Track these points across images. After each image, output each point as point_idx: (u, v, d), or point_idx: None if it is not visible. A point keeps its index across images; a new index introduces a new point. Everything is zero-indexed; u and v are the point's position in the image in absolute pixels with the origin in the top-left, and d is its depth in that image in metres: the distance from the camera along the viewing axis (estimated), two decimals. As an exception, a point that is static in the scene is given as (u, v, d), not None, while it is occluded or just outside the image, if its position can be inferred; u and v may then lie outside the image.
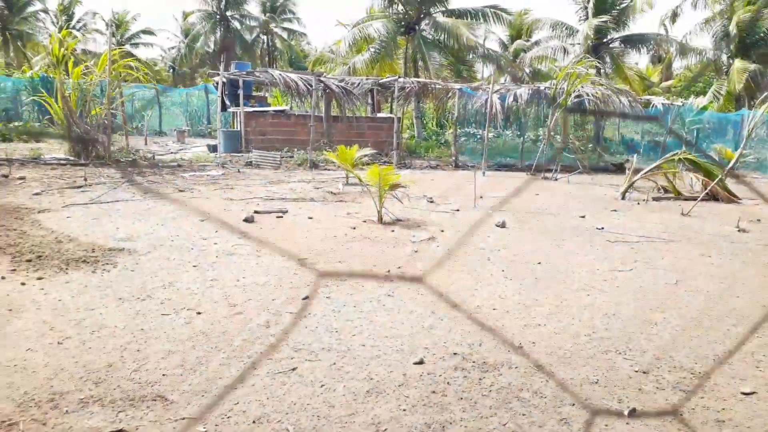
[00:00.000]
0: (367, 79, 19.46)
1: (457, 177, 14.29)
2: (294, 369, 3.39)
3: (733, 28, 26.62)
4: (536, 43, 34.95)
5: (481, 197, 10.58)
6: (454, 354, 3.70)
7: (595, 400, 3.18)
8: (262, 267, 5.50)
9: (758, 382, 3.48)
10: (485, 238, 7.28)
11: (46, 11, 41.11)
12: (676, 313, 4.72)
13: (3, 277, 4.75)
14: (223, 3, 45.82)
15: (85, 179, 10.47)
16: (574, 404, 3.12)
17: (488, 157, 16.47)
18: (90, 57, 29.59)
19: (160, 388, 3.06)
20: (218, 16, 46.26)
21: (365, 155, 10.30)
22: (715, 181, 11.25)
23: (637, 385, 3.39)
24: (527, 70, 35.32)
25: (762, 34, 26.87)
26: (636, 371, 3.57)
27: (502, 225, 8.05)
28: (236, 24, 47.81)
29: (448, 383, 3.30)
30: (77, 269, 5.09)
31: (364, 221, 8.02)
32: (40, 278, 4.78)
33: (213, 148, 17.26)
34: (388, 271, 5.60)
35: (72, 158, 12.99)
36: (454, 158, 17.37)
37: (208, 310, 4.26)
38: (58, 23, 40.83)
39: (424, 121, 24.93)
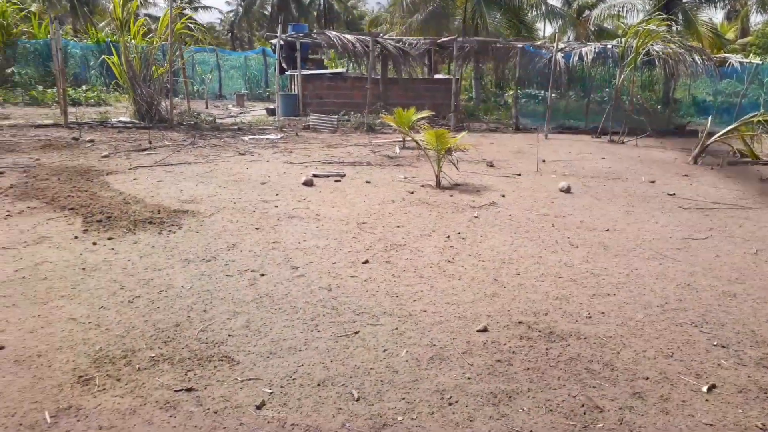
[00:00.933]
0: (424, 40, 19.01)
1: (518, 140, 13.89)
2: (356, 333, 3.37)
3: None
4: (602, -1, 33.19)
5: (544, 161, 10.26)
6: (519, 323, 3.60)
7: (671, 374, 3.03)
8: (322, 230, 5.51)
9: None
10: (549, 204, 7.05)
11: (111, -23, 41.97)
12: (757, 285, 4.44)
13: (76, 237, 4.93)
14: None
15: (150, 142, 10.75)
16: (648, 378, 2.98)
17: (551, 120, 15.90)
18: (153, 22, 30.13)
19: (226, 349, 3.11)
20: (275, -22, 46.14)
21: (422, 118, 10.11)
22: (799, 145, 10.47)
23: (716, 360, 3.21)
24: (592, 28, 33.73)
25: None
26: (714, 345, 3.38)
27: (567, 190, 7.77)
28: (293, -15, 47.59)
29: (513, 353, 3.21)
30: (144, 230, 5.23)
31: (422, 185, 7.90)
32: (110, 238, 4.93)
33: (272, 112, 17.38)
34: (448, 236, 5.50)
35: (137, 121, 13.35)
36: (514, 120, 16.87)
37: (271, 273, 4.30)
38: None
39: (483, 83, 24.26)
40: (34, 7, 35.31)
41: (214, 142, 11.39)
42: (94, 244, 4.77)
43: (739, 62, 19.08)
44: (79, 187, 6.75)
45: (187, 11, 35.86)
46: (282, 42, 16.91)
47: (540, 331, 3.49)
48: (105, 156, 9.10)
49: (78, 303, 3.61)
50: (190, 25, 15.06)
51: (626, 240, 5.57)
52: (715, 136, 11.26)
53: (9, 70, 20.28)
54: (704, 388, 2.89)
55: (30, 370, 2.81)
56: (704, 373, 3.05)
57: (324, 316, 3.59)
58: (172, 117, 13.67)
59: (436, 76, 21.11)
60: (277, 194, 6.98)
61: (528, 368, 3.05)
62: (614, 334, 3.49)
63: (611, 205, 7.12)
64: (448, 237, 5.49)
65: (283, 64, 18.45)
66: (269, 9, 48.22)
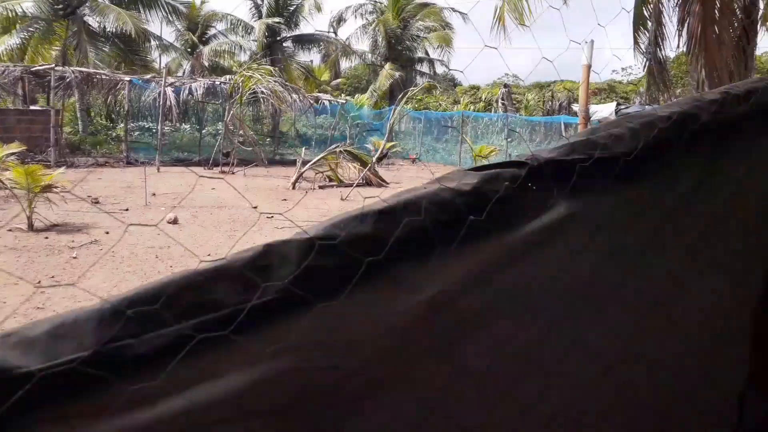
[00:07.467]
0: (14, 67, 16.92)
1: (129, 174, 13.53)
2: None
3: (383, 36, 30.88)
4: (214, 36, 34.81)
5: (154, 194, 10.31)
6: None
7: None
8: None
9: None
10: (155, 237, 7.16)
11: None
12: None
13: None
14: None
15: None
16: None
17: (165, 152, 15.99)
18: None
19: None
20: None
21: (12, 153, 9.08)
22: (366, 169, 13.01)
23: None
24: (206, 63, 35.00)
25: (406, 43, 31.79)
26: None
27: (174, 221, 8.01)
28: None
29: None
30: None
31: (10, 230, 7.10)
32: None
33: None
34: (39, 282, 5.15)
35: None
36: (125, 155, 16.39)
37: None
38: None
39: (92, 115, 22.76)
40: None
41: None
42: None
43: (329, 101, 22.50)
44: None
45: None
46: None
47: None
48: None
49: None
50: None
51: (224, 262, 6.10)
52: (308, 164, 13.09)
53: None
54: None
55: None
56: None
57: None
58: None
59: (32, 107, 18.97)
60: None
61: None
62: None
63: (216, 231, 7.66)
64: (39, 282, 5.13)
65: None
66: None
